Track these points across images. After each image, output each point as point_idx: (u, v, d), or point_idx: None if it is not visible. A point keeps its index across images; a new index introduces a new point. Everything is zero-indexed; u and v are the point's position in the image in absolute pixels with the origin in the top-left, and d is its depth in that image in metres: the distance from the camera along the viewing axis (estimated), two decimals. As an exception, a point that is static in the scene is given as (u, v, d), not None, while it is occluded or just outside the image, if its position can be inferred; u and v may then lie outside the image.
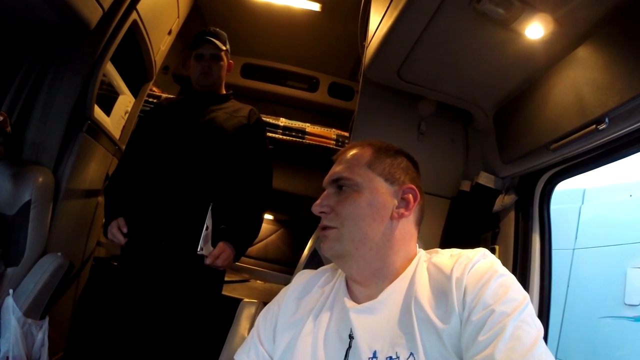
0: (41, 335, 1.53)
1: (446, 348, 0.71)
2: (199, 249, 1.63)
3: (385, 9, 1.51)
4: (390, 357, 0.74)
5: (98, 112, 2.07)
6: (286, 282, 1.08)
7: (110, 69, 2.10)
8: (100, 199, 2.27)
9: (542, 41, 1.26)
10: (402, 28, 1.40)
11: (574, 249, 3.87)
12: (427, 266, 0.83)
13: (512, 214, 1.64)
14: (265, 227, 4.10)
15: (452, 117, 2.00)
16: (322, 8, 2.80)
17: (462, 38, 1.38)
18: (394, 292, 0.81)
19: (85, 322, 2.20)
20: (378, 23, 1.63)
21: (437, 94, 1.80)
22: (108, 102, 2.24)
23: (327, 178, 0.92)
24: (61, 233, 1.88)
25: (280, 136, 3.09)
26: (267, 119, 3.03)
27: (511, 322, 0.66)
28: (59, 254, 1.68)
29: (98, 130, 2.11)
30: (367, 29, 2.00)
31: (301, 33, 3.18)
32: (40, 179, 1.72)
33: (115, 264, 2.46)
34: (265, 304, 1.06)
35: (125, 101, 2.42)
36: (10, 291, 1.47)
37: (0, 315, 1.44)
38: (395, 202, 0.87)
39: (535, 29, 1.23)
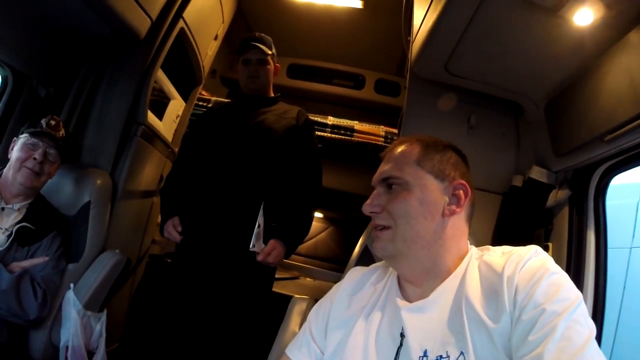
0: (99, 326, 1.62)
1: (496, 348, 0.69)
2: (251, 246, 1.67)
3: (429, 2, 1.50)
4: (441, 356, 0.74)
5: (151, 117, 2.17)
6: (336, 280, 1.09)
7: (160, 75, 2.19)
8: (155, 199, 2.38)
9: (592, 27, 1.19)
10: (447, 21, 1.38)
11: (631, 248, 3.60)
12: (478, 264, 0.81)
13: (565, 210, 1.56)
14: (315, 225, 4.13)
15: (502, 109, 1.93)
16: (364, 4, 2.78)
17: (509, 28, 1.34)
18: (445, 291, 0.80)
19: (140, 315, 2.31)
20: (422, 17, 1.62)
21: (486, 86, 1.75)
22: (160, 107, 2.34)
23: (376, 177, 0.92)
24: (119, 231, 1.98)
25: (329, 135, 3.10)
26: (315, 118, 3.04)
27: (562, 322, 0.64)
28: (117, 251, 1.76)
29: (152, 134, 2.21)
30: (411, 23, 1.97)
31: (344, 31, 3.17)
32: (99, 181, 1.82)
33: (170, 260, 2.59)
34: (315, 300, 1.07)
35: (177, 106, 2.52)
36: (71, 285, 1.56)
37: (62, 307, 1.54)
38: (446, 198, 0.85)
39: (585, 15, 1.17)
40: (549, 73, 1.50)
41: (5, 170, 1.55)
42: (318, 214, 4.28)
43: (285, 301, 1.31)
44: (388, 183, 0.88)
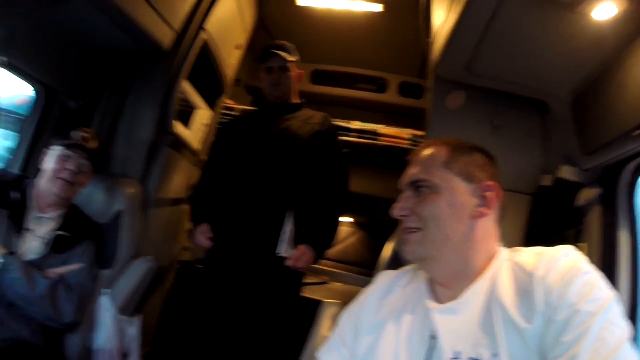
0: (133, 330, 1.66)
1: (529, 349, 0.69)
2: (280, 252, 1.70)
3: (448, 3, 1.49)
4: (473, 358, 0.73)
5: (179, 126, 2.22)
6: (365, 285, 1.09)
7: (186, 86, 2.24)
8: (185, 206, 2.42)
9: (614, 21, 1.16)
10: (468, 21, 1.37)
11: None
12: (510, 265, 0.80)
13: (597, 209, 1.50)
14: (343, 230, 4.12)
15: (527, 108, 1.89)
16: (385, 8, 2.76)
17: (529, 26, 1.32)
18: (476, 293, 0.80)
19: (172, 320, 2.36)
20: (442, 19, 1.61)
21: (510, 85, 1.72)
22: (187, 117, 2.39)
23: (403, 180, 0.93)
24: (150, 239, 2.03)
25: (355, 139, 3.08)
26: (340, 123, 3.04)
27: (596, 323, 0.64)
28: (150, 257, 1.82)
29: (180, 144, 2.27)
30: (429, 25, 1.96)
31: (366, 35, 3.16)
32: (130, 191, 1.87)
33: (200, 267, 2.64)
34: (345, 305, 1.08)
35: (203, 115, 2.57)
36: (106, 291, 1.61)
37: (96, 312, 1.58)
38: (475, 201, 0.85)
39: (606, 9, 1.13)
40: (573, 69, 1.46)
41: (38, 181, 1.61)
42: (346, 219, 4.26)
43: (314, 306, 1.32)
44: (416, 186, 0.88)
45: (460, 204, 0.84)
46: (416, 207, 0.86)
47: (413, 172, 0.90)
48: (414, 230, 0.86)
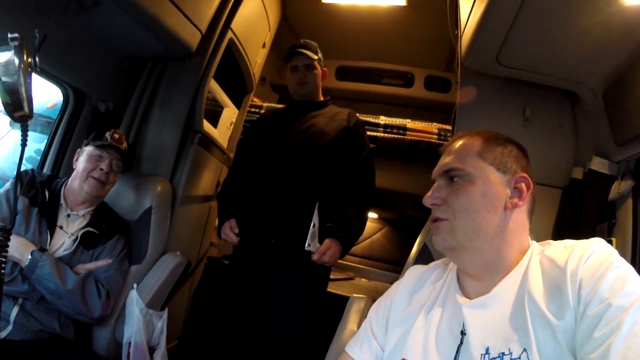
0: (160, 324, 1.71)
1: (560, 345, 0.68)
2: (306, 246, 1.71)
3: None
4: (503, 353, 0.73)
5: (206, 125, 2.26)
6: (391, 281, 1.09)
7: (213, 85, 2.28)
8: (213, 203, 2.47)
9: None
10: (496, 11, 1.35)
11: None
12: (540, 259, 0.80)
13: (629, 202, 1.46)
14: (370, 226, 4.10)
15: (558, 99, 1.83)
16: (408, 2, 2.73)
17: (559, 13, 1.28)
18: (507, 287, 0.80)
19: (199, 314, 2.40)
20: (470, 9, 1.58)
21: (540, 76, 1.68)
22: (214, 116, 2.44)
23: (436, 169, 0.93)
24: (179, 235, 2.07)
25: (382, 134, 3.06)
26: (367, 118, 3.04)
27: (628, 318, 0.63)
28: (178, 253, 1.86)
29: (208, 142, 2.30)
30: (457, 16, 1.93)
31: (390, 30, 3.13)
32: (159, 188, 1.92)
33: (227, 262, 2.69)
34: (373, 300, 1.09)
35: (230, 113, 2.61)
36: (135, 285, 1.67)
37: (125, 306, 1.64)
38: (508, 191, 0.85)
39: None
40: (605, 58, 1.42)
41: (70, 180, 1.68)
42: (373, 215, 4.25)
43: (341, 301, 1.32)
44: (450, 175, 0.89)
45: (494, 194, 0.84)
46: (449, 197, 0.86)
47: (446, 161, 0.90)
48: (442, 220, 0.86)
